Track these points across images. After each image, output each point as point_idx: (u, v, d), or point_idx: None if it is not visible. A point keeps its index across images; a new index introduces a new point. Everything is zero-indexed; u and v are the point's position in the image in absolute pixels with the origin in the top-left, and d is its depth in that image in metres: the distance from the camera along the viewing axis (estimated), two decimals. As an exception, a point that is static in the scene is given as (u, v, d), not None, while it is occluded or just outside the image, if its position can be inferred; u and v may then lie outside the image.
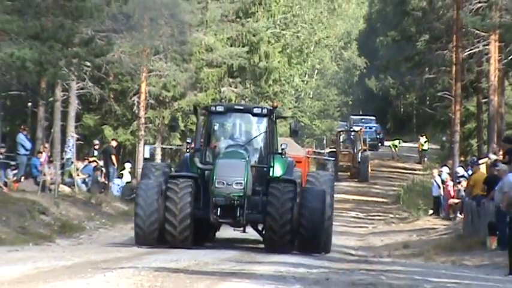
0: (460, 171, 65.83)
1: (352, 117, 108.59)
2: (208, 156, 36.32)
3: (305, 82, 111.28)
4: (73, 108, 69.60)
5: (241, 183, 35.52)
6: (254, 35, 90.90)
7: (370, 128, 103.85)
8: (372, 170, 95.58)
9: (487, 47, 75.88)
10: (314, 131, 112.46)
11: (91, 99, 78.00)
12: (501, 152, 55.23)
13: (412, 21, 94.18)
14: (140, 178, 43.81)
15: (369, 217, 68.84)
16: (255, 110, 38.68)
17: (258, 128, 38.25)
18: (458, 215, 58.17)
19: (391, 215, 69.82)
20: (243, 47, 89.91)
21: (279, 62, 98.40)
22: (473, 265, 41.48)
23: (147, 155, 53.24)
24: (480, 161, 57.77)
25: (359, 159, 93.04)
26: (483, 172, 51.86)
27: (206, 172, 35.70)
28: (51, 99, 67.43)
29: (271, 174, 36.76)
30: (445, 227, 58.28)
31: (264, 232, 37.88)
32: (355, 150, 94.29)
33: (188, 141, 39.83)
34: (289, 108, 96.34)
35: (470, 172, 58.53)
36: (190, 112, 52.76)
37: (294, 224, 35.80)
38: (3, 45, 50.46)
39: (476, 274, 37.34)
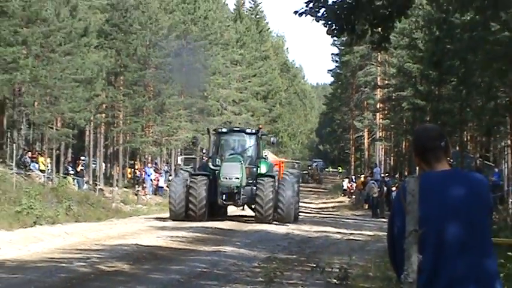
0: (346, 181, 65.83)
1: (314, 159, 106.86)
2: (217, 161, 27.98)
3: (296, 147, 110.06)
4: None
5: (238, 178, 27.06)
6: (275, 115, 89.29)
7: (320, 163, 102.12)
8: (320, 178, 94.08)
9: (363, 134, 75.49)
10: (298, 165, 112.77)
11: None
12: (368, 172, 55.26)
13: (333, 124, 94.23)
14: (174, 176, 33.69)
15: (319, 197, 67.51)
16: (247, 130, 30.17)
17: (249, 141, 29.65)
18: (353, 196, 57.37)
19: (328, 196, 68.47)
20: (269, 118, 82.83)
21: (284, 138, 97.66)
22: (359, 215, 41.00)
23: (180, 162, 40.10)
24: (361, 176, 57.50)
25: (320, 175, 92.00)
26: (362, 180, 51.56)
27: (216, 171, 27.55)
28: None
29: (258, 171, 28.39)
30: (348, 200, 57.50)
31: (254, 210, 29.05)
32: (317, 171, 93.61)
33: (204, 151, 31.50)
34: (292, 155, 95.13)
35: (355, 180, 58.50)
36: (205, 133, 37.10)
37: (274, 205, 27.08)
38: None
39: (359, 218, 37.31)
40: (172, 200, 26.92)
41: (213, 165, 27.56)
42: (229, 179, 26.86)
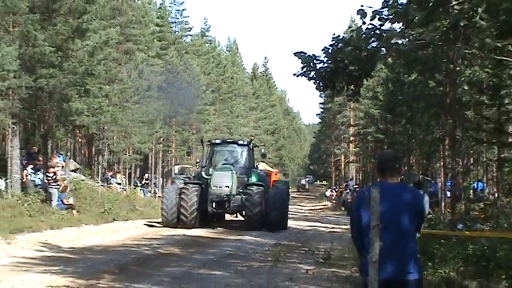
0: (329, 191, 64.56)
1: (306, 175, 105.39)
2: (210, 170, 20.85)
3: (294, 167, 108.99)
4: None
5: (228, 186, 20.15)
6: (280, 145, 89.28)
7: (311, 178, 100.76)
8: (309, 188, 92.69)
9: (341, 158, 75.03)
10: (295, 180, 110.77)
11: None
12: (344, 185, 54.64)
13: (320, 151, 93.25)
14: (170, 185, 25.01)
15: (310, 202, 66.47)
16: (239, 142, 22.90)
17: (241, 152, 22.01)
18: (334, 201, 56.67)
19: (316, 201, 67.62)
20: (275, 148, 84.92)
21: (286, 161, 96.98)
22: (338, 214, 40.23)
23: (176, 171, 33.04)
24: (340, 187, 56.98)
25: (307, 186, 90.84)
26: (340, 190, 51.14)
27: (208, 180, 20.43)
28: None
29: (249, 181, 21.02)
30: (331, 204, 56.77)
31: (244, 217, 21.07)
32: (307, 183, 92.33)
33: (197, 161, 24.54)
34: (291, 172, 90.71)
35: (336, 190, 57.70)
36: (199, 144, 28.35)
37: (263, 212, 19.93)
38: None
39: (338, 216, 36.64)
40: (165, 207, 19.96)
41: (206, 175, 20.92)
42: (220, 187, 20.30)
